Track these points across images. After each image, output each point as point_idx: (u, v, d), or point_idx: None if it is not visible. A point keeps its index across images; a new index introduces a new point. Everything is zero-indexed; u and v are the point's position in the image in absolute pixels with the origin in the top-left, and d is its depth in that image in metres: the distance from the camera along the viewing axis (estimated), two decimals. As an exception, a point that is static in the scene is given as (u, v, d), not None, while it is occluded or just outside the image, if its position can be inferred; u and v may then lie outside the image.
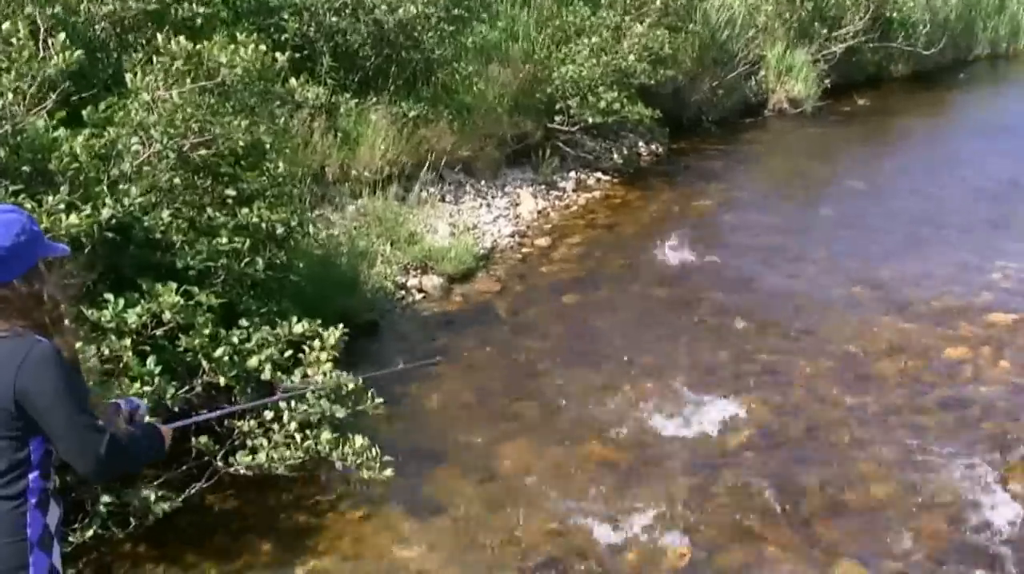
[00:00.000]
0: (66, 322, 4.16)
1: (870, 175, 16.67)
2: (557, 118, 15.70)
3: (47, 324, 4.00)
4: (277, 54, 8.68)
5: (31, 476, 3.97)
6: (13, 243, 3.88)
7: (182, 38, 8.19)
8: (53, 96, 7.78)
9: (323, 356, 7.53)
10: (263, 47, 8.44)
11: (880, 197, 15.51)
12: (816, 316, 10.87)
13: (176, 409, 6.97)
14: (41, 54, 7.91)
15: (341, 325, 7.75)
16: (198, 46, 8.16)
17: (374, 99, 13.48)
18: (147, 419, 4.56)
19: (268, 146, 8.99)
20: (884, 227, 13.93)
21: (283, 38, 12.19)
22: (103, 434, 3.93)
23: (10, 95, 7.42)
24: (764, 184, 16.52)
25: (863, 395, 9.22)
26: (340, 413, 7.42)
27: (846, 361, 9.87)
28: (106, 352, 6.72)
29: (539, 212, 14.50)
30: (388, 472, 7.18)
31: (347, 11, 13.10)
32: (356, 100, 13.28)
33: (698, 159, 17.69)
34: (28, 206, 6.51)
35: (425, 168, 13.57)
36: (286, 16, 12.59)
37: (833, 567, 6.94)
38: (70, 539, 6.26)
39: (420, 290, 11.75)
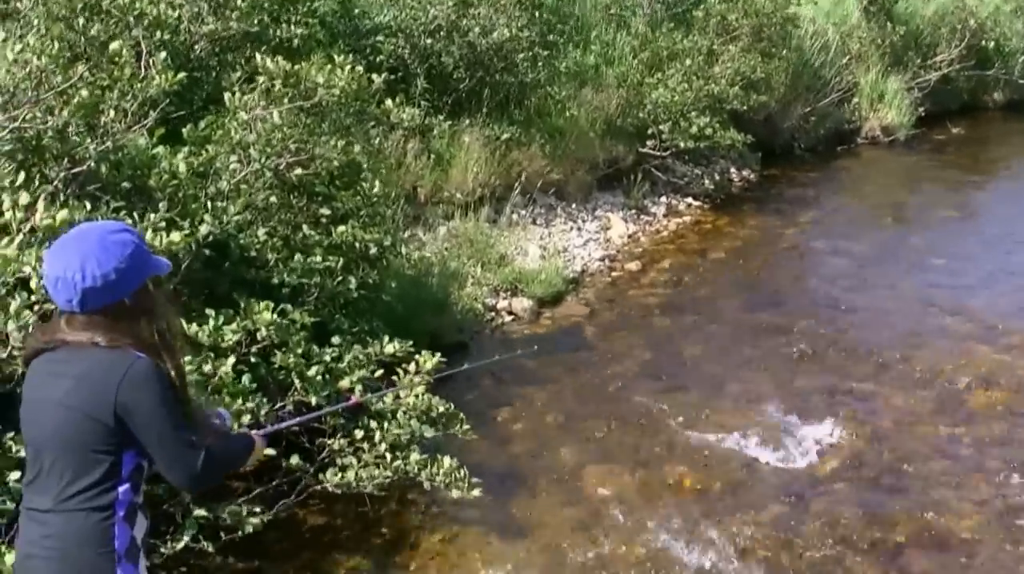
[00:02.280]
0: (172, 339, 4.23)
1: (964, 204, 16.54)
2: (649, 143, 15.71)
3: (154, 342, 4.07)
4: (373, 75, 8.77)
5: (120, 489, 4.02)
6: (128, 263, 3.95)
7: (280, 58, 8.30)
8: (153, 114, 7.91)
9: (416, 379, 7.58)
10: (360, 68, 8.53)
11: (974, 226, 15.38)
12: (909, 345, 10.75)
13: (270, 426, 7.04)
14: (142, 73, 8.06)
15: (438, 354, 7.76)
16: (296, 66, 8.26)
17: (467, 121, 13.59)
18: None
19: (363, 166, 9.08)
20: (978, 256, 13.81)
21: (378, 60, 12.32)
22: (199, 450, 4.01)
23: (112, 113, 7.55)
24: (856, 212, 16.36)
25: (956, 426, 9.12)
26: (429, 434, 7.46)
27: (939, 391, 9.76)
28: (206, 369, 6.81)
29: (629, 236, 14.50)
30: (476, 492, 7.19)
31: (441, 33, 13.21)
32: (449, 122, 13.38)
33: (790, 186, 17.61)
34: (129, 222, 6.60)
35: (516, 190, 13.63)
36: (381, 38, 12.75)
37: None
38: (161, 550, 6.33)
39: (510, 312, 11.79)
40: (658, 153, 15.76)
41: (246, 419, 6.60)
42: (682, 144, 15.37)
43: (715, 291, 12.64)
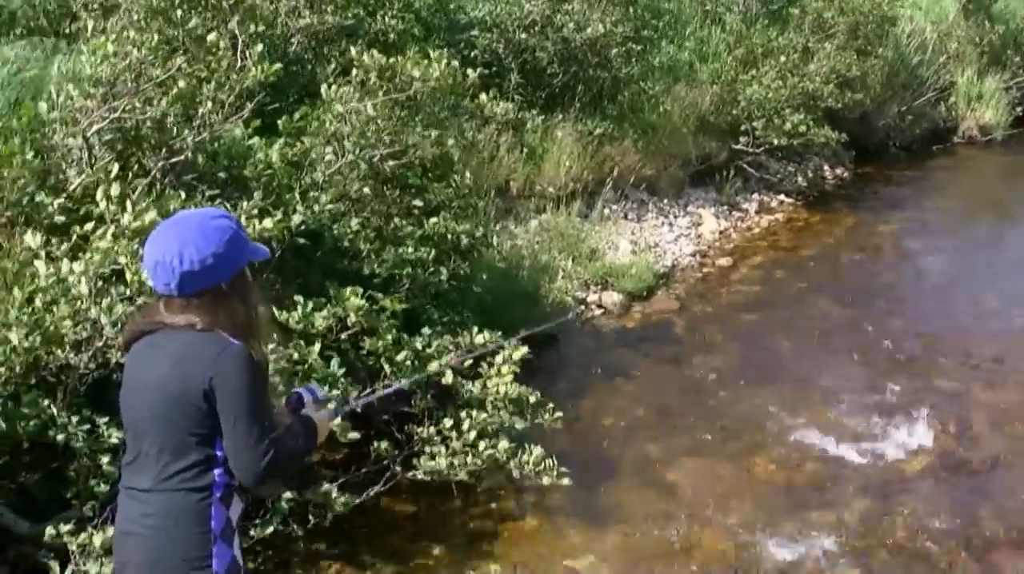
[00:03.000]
0: (263, 327, 4.33)
1: (1063, 206, 16.35)
2: (742, 139, 15.69)
3: (247, 327, 4.16)
4: (468, 70, 8.85)
5: (216, 472, 4.12)
6: (225, 248, 4.04)
7: (375, 51, 8.41)
8: (250, 106, 8.05)
9: (505, 369, 7.65)
10: (455, 63, 8.62)
11: (1073, 228, 15.20)
12: (1001, 346, 10.66)
13: (359, 410, 7.15)
14: (239, 64, 8.19)
15: (524, 347, 7.83)
16: (391, 60, 8.36)
17: (560, 116, 13.65)
18: (329, 405, 4.66)
19: (455, 159, 9.16)
20: (1076, 258, 13.63)
21: (472, 54, 12.40)
22: (268, 451, 4.02)
23: (209, 104, 7.70)
24: (951, 212, 16.20)
25: (1047, 427, 9.04)
26: (519, 424, 7.53)
27: (1033, 395, 9.67)
28: (294, 354, 6.92)
29: (721, 233, 14.48)
30: (566, 481, 7.26)
31: (536, 28, 13.28)
32: (542, 116, 13.44)
33: (884, 185, 17.48)
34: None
35: (608, 185, 13.66)
36: (476, 33, 12.83)
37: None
38: (251, 534, 6.44)
39: (599, 306, 11.85)
40: (751, 150, 15.71)
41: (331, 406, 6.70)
42: (776, 141, 15.31)
43: (806, 288, 12.60)
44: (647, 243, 13.38)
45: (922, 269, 13.33)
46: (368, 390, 7.32)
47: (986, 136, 19.97)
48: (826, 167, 17.61)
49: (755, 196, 15.99)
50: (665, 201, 14.84)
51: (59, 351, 6.40)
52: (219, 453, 4.10)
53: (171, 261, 3.96)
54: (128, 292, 6.40)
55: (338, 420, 4.92)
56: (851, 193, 16.96)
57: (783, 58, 15.68)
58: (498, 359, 7.70)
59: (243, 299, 4.17)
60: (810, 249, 14.06)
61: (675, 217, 14.61)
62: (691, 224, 14.56)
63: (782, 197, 16.21)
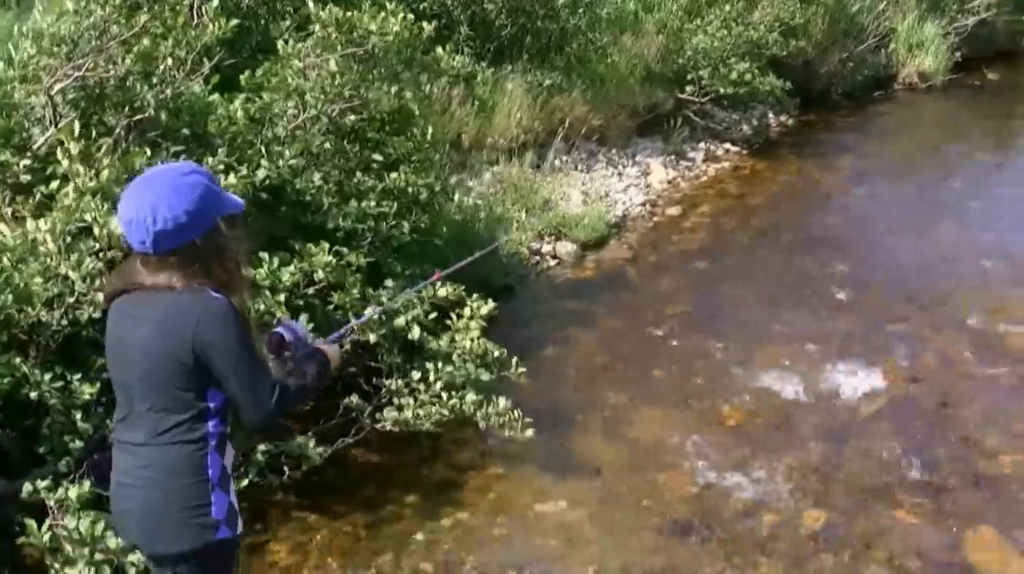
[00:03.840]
0: (242, 278, 4.38)
1: (1002, 150, 16.64)
2: (688, 89, 15.80)
3: (226, 281, 4.21)
4: (424, 23, 8.90)
5: (211, 423, 4.20)
6: (198, 205, 4.06)
7: (331, 5, 8.43)
8: (208, 63, 8.06)
9: (472, 324, 7.76)
10: (411, 16, 8.66)
11: (1012, 171, 15.48)
12: (948, 289, 10.85)
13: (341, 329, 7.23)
14: (195, 22, 8.20)
15: (491, 301, 7.96)
16: (349, 14, 8.39)
17: (509, 68, 13.72)
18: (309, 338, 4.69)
19: (414, 112, 9.22)
20: (1017, 201, 13.90)
21: (422, 7, 12.41)
22: (274, 389, 4.12)
23: (168, 60, 7.71)
24: (894, 157, 16.37)
25: (996, 367, 9.23)
26: (485, 377, 7.64)
27: (979, 334, 9.86)
28: (261, 308, 6.97)
29: (669, 182, 14.63)
30: (529, 433, 7.37)
31: (484, -20, 13.31)
32: (492, 69, 13.51)
33: (828, 131, 17.70)
34: (193, 166, 6.76)
35: (559, 137, 13.76)
36: (426, -16, 12.84)
37: (970, 534, 7.01)
38: (227, 487, 6.51)
39: (554, 256, 11.97)
40: (697, 99, 15.85)
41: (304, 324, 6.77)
42: (721, 90, 15.45)
43: (755, 236, 12.78)
44: (598, 193, 13.48)
45: (866, 214, 13.52)
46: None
47: (926, 83, 20.28)
48: (770, 115, 17.84)
49: (702, 145, 16.14)
50: (614, 151, 14.96)
51: (30, 309, 6.42)
52: (211, 404, 4.18)
53: (145, 219, 3.99)
54: (97, 246, 6.44)
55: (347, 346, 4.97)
56: (795, 140, 17.19)
57: (727, 7, 15.79)
58: (465, 313, 7.81)
59: (219, 253, 4.20)
60: (757, 197, 14.23)
61: (624, 167, 14.73)
62: (640, 174, 14.69)
63: (728, 145, 16.39)
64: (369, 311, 6.70)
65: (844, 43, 19.15)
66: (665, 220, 13.35)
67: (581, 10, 14.48)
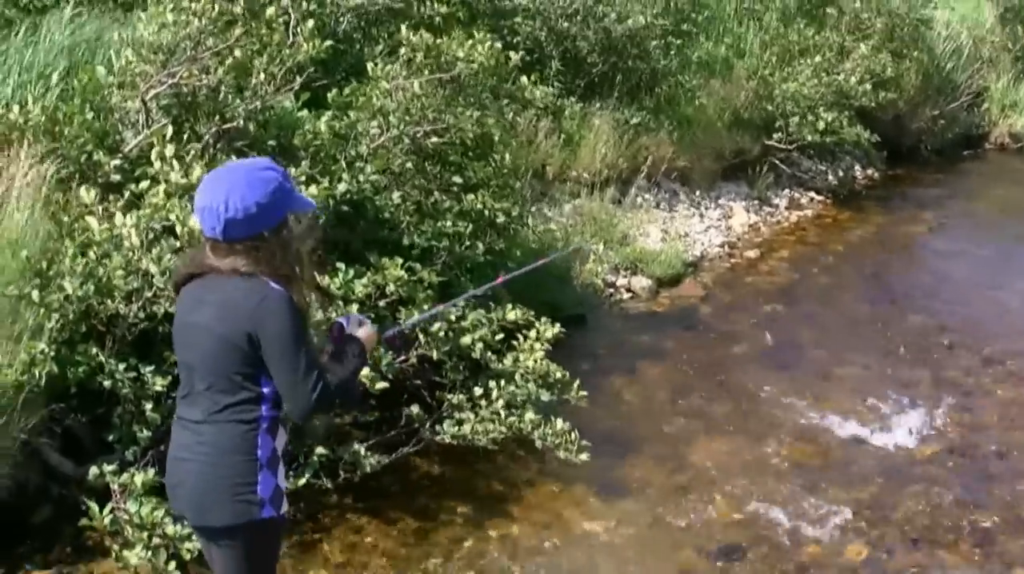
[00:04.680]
0: (304, 274, 4.60)
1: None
2: (775, 136, 15.91)
3: (288, 274, 4.41)
4: (511, 53, 9.14)
5: (263, 406, 4.41)
6: (270, 199, 4.27)
7: (423, 31, 8.70)
8: (299, 79, 8.35)
9: (537, 346, 7.96)
10: (498, 45, 8.90)
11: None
12: (1018, 345, 10.87)
13: (390, 377, 7.46)
14: (290, 40, 8.49)
15: (557, 324, 8.15)
16: (437, 40, 8.65)
17: (598, 104, 13.94)
18: (368, 327, 4.83)
19: (496, 139, 9.44)
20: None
21: (515, 40, 12.65)
22: (317, 386, 4.28)
23: (261, 75, 8.01)
24: (979, 215, 16.34)
25: (1059, 423, 9.28)
26: (545, 397, 7.83)
27: (1046, 390, 9.91)
28: (333, 316, 7.19)
29: (750, 226, 14.76)
30: (584, 456, 7.57)
31: (578, 18, 13.56)
32: (581, 104, 13.73)
33: (914, 186, 17.69)
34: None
35: (642, 174, 13.95)
36: (519, 19, 13.10)
37: (1009, 575, 7.10)
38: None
39: (628, 290, 12.15)
40: (784, 146, 15.93)
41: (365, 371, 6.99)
42: (808, 138, 15.52)
43: (831, 282, 12.87)
44: (677, 232, 13.66)
45: (946, 269, 13.53)
46: (408, 364, 7.69)
47: (1018, 143, 20.13)
48: (857, 167, 17.87)
49: (786, 192, 16.23)
50: (697, 193, 15.11)
51: (110, 301, 6.72)
52: (264, 390, 4.39)
53: (217, 207, 4.20)
54: (178, 244, 6.72)
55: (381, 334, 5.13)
56: (881, 193, 17.19)
57: (819, 57, 15.90)
58: (531, 335, 8.01)
59: (285, 247, 4.39)
60: (837, 245, 14.29)
61: (706, 209, 14.89)
62: (722, 216, 14.84)
63: (812, 194, 16.45)
64: (433, 309, 6.96)
65: (936, 100, 19.07)
66: (742, 262, 13.48)
67: (672, 52, 14.67)
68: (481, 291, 7.00)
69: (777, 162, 16.13)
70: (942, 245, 14.62)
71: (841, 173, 17.16)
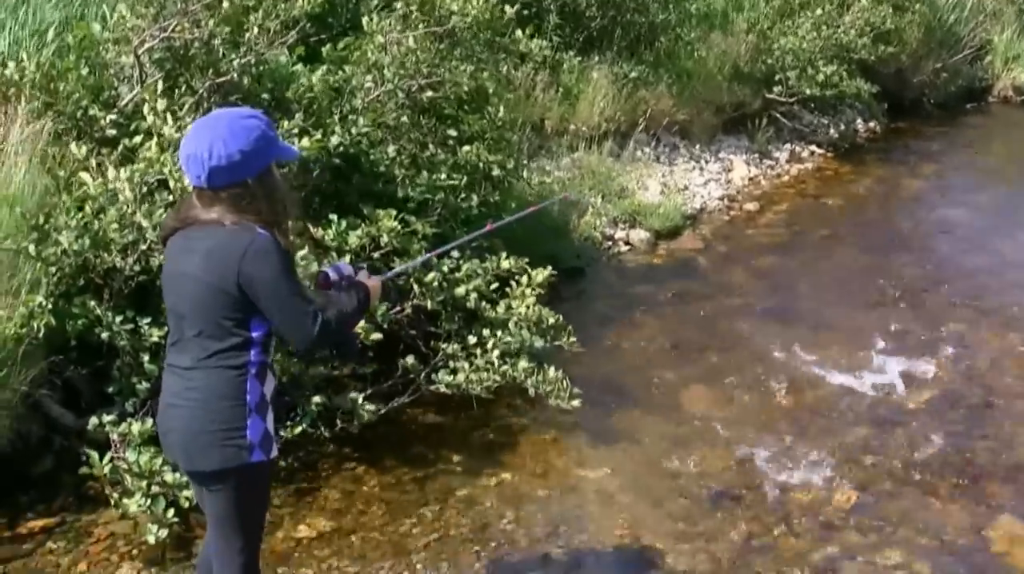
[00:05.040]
0: (288, 220, 4.68)
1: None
2: (776, 89, 15.94)
3: (272, 220, 4.48)
4: (506, 7, 9.18)
5: (252, 351, 4.50)
6: (253, 147, 4.35)
7: (417, -16, 8.75)
8: (294, 33, 8.41)
9: (528, 291, 8.03)
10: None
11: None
12: (1014, 296, 10.91)
13: (385, 326, 7.56)
14: (286, -5, 8.55)
15: (549, 267, 8.23)
16: (432, -6, 8.71)
17: (597, 58, 14.00)
18: (375, 278, 4.99)
19: (491, 92, 9.50)
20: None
21: (514, -6, 12.70)
22: (316, 317, 4.39)
23: (255, 30, 8.06)
24: (980, 168, 16.37)
25: (1052, 370, 9.36)
26: (539, 343, 7.91)
27: (1037, 340, 9.98)
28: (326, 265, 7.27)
29: (750, 179, 14.82)
30: (576, 402, 7.65)
31: (575, -30, 13.59)
32: (579, 58, 13.78)
33: (916, 139, 17.72)
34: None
35: (641, 128, 14.01)
36: (517, -27, 13.11)
37: (993, 520, 7.15)
38: (281, 434, 6.82)
39: (626, 242, 12.21)
40: (784, 100, 15.97)
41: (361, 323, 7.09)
42: (808, 91, 15.58)
43: (829, 234, 12.94)
44: (677, 186, 13.72)
45: (946, 221, 13.59)
46: (403, 315, 7.77)
47: (1021, 96, 20.18)
48: (859, 120, 17.89)
49: (787, 146, 16.28)
50: (697, 146, 15.17)
51: (107, 255, 6.81)
52: (253, 334, 4.48)
53: (201, 155, 4.29)
54: (171, 198, 6.80)
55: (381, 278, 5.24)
56: (882, 146, 17.24)
57: (819, 10, 15.89)
58: (523, 281, 8.08)
59: (269, 194, 4.47)
60: (836, 198, 14.36)
61: (706, 162, 14.94)
62: (722, 170, 14.89)
63: (813, 148, 16.50)
64: (421, 257, 7.10)
65: (939, 53, 19.07)
66: (741, 215, 13.55)
67: (671, 5, 14.70)
68: (470, 238, 7.04)
69: (778, 115, 16.17)
70: (941, 197, 14.68)
71: (843, 126, 17.18)
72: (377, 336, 7.31)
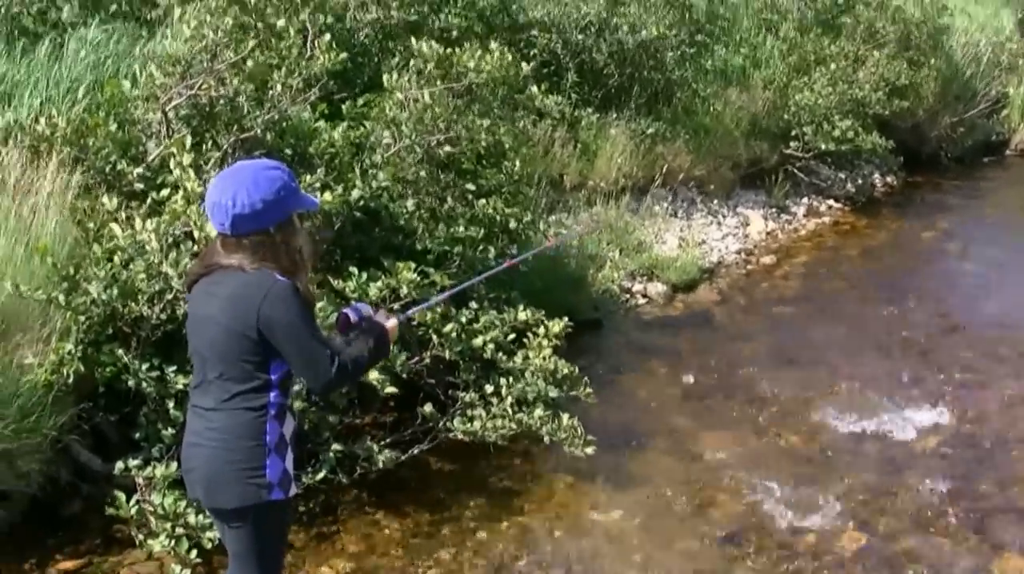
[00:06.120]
0: (307, 269, 4.90)
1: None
2: (792, 144, 16.16)
3: (291, 268, 4.69)
4: (523, 63, 9.41)
5: (271, 394, 4.69)
6: (275, 196, 4.56)
7: (435, 42, 8.98)
8: (315, 90, 8.65)
9: (545, 342, 8.22)
10: (508, 56, 9.16)
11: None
12: (1026, 346, 11.10)
13: (404, 376, 7.75)
14: (309, 53, 8.80)
15: (565, 318, 8.43)
16: (448, 51, 8.93)
17: (615, 115, 14.23)
18: (393, 319, 5.17)
19: (508, 147, 9.71)
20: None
21: (532, 53, 12.93)
22: (333, 360, 4.59)
23: (279, 87, 8.31)
24: (997, 222, 16.50)
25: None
26: (553, 393, 8.09)
27: (1051, 388, 10.10)
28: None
29: (768, 233, 15.02)
30: (590, 449, 7.85)
31: (593, 30, 13.84)
32: (597, 115, 14.02)
33: (933, 193, 17.90)
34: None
35: (658, 183, 14.24)
36: (536, 32, 13.38)
37: (1001, 560, 7.29)
38: (302, 480, 6.98)
39: (644, 295, 12.40)
40: (801, 155, 16.20)
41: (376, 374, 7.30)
42: (824, 146, 15.80)
43: (845, 285, 13.13)
44: (694, 239, 13.91)
45: (957, 272, 13.82)
46: (422, 364, 7.95)
47: (1038, 149, 20.27)
48: (876, 174, 18.05)
49: (804, 200, 16.49)
50: (715, 201, 15.37)
51: (134, 304, 7.02)
52: (272, 377, 4.67)
53: (225, 203, 4.50)
54: (196, 248, 7.02)
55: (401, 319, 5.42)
56: (899, 200, 17.43)
57: (834, 65, 16.12)
58: (540, 332, 8.27)
59: (288, 242, 4.68)
60: (853, 250, 14.57)
61: (724, 217, 15.15)
62: (739, 224, 15.10)
63: (831, 202, 16.70)
64: (439, 296, 7.29)
65: (956, 107, 19.27)
66: (759, 268, 13.74)
67: (687, 62, 14.96)
68: (489, 274, 7.31)
69: (795, 170, 16.37)
70: (957, 249, 14.82)
71: (860, 180, 17.31)
72: (392, 390, 7.50)
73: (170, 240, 7.09)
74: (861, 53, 16.78)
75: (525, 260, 8.22)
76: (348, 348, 4.76)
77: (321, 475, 7.31)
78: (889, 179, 18.20)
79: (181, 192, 7.29)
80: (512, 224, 9.23)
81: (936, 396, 9.77)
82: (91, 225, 7.53)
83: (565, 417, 7.87)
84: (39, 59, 9.12)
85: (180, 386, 6.94)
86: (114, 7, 10.51)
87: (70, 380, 6.84)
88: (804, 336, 11.38)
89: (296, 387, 5.29)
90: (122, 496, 6.66)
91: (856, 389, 9.93)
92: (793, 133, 16.11)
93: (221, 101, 8.06)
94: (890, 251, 14.63)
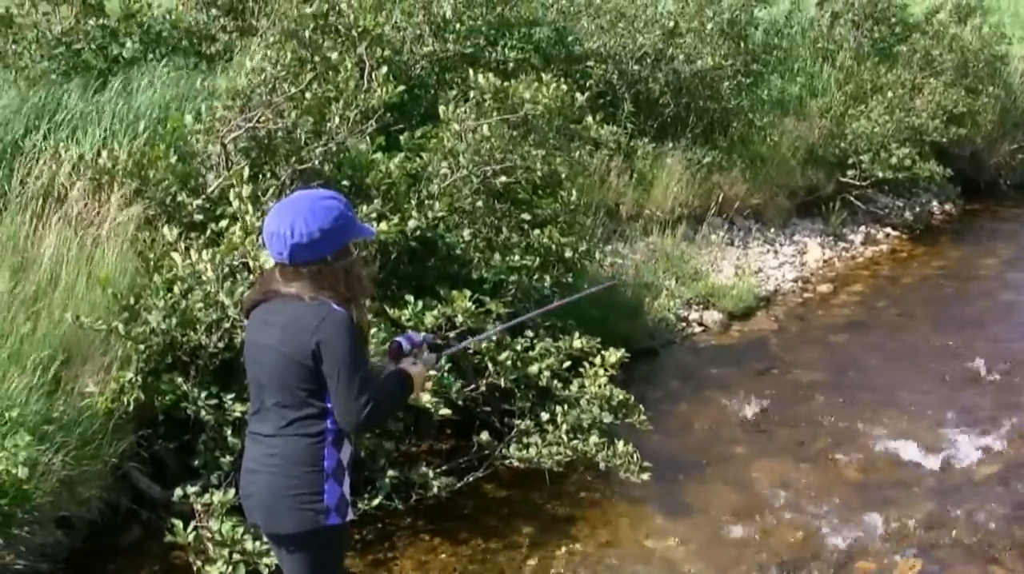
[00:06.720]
0: (364, 297, 4.97)
1: None
2: (849, 172, 16.17)
3: (348, 297, 4.75)
4: (577, 94, 9.48)
5: (328, 420, 4.75)
6: (332, 225, 4.62)
7: (491, 75, 9.07)
8: (372, 122, 8.76)
9: (600, 371, 8.27)
10: (564, 87, 9.24)
11: None
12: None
13: (460, 403, 7.82)
14: (365, 86, 8.92)
15: (622, 349, 8.46)
16: (504, 83, 9.02)
17: (671, 144, 14.30)
18: (425, 351, 5.18)
19: (563, 177, 9.78)
20: None
21: (588, 84, 13.00)
22: (368, 402, 4.60)
23: (336, 119, 8.43)
24: (1056, 249, 16.46)
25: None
26: (607, 419, 8.13)
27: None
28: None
29: (824, 261, 15.01)
30: (645, 476, 7.86)
31: (648, 61, 13.92)
32: (653, 144, 14.09)
33: (991, 221, 17.86)
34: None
35: (714, 212, 14.29)
36: (591, 63, 13.45)
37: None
38: (359, 506, 7.04)
39: (700, 323, 12.43)
40: (858, 183, 16.19)
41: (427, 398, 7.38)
42: (881, 174, 15.79)
43: (903, 314, 13.10)
44: (751, 268, 13.94)
45: (1015, 300, 13.75)
46: (478, 392, 8.04)
47: (1100, 178, 20.09)
48: (934, 202, 18.04)
49: (861, 228, 16.47)
50: (771, 229, 15.41)
51: (193, 333, 7.14)
52: (328, 404, 4.71)
53: (284, 233, 4.56)
54: (251, 278, 7.12)
55: (440, 362, 5.45)
56: (957, 228, 17.39)
57: (891, 93, 16.11)
58: (596, 361, 8.32)
59: (346, 271, 4.74)
60: (910, 278, 14.53)
61: (780, 245, 15.17)
62: (796, 252, 15.10)
63: (888, 230, 16.68)
64: (490, 331, 7.47)
65: (1014, 134, 19.24)
66: (815, 297, 13.74)
67: (743, 92, 15.01)
68: (537, 314, 7.29)
69: (852, 198, 16.37)
70: (1017, 277, 14.74)
71: (917, 208, 17.29)
72: (446, 412, 7.56)
73: (226, 270, 7.19)
74: (918, 81, 16.81)
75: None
76: (382, 390, 4.78)
77: (377, 501, 7.36)
78: (947, 207, 18.18)
79: (239, 223, 7.40)
80: (568, 253, 9.28)
81: (994, 426, 9.71)
82: (151, 256, 7.67)
83: (620, 443, 7.89)
84: (109, 94, 9.30)
85: (238, 413, 7.06)
86: (174, 43, 10.70)
87: (130, 408, 6.98)
88: (860, 364, 11.36)
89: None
90: (180, 523, 6.72)
91: (912, 417, 9.90)
92: (850, 161, 16.13)
93: (279, 133, 8.18)
94: (948, 279, 14.57)
